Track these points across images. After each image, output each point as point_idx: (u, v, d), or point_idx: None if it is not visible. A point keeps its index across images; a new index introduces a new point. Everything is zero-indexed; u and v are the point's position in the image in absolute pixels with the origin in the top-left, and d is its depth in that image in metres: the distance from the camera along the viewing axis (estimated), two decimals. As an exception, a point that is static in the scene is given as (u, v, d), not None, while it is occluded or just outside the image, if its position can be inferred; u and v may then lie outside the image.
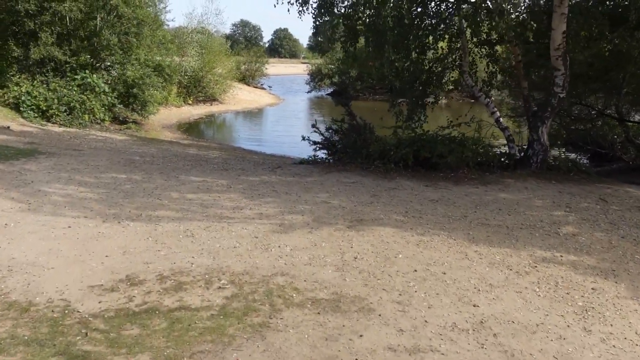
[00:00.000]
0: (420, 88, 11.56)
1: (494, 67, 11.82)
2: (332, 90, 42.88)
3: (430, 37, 10.40)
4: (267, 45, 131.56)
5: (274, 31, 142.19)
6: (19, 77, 16.51)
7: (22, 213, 6.25)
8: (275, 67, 62.30)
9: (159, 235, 5.71)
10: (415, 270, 4.98)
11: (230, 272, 4.74)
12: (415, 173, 9.87)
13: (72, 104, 16.41)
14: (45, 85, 16.47)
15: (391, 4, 9.29)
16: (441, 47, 11.56)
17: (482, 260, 5.37)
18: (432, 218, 6.88)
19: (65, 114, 16.21)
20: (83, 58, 17.53)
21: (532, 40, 9.81)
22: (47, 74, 16.88)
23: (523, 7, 8.38)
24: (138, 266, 4.81)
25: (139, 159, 10.54)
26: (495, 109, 11.30)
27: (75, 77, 17.10)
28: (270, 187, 8.39)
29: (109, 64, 18.43)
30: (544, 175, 10.16)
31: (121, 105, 18.20)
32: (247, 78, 41.19)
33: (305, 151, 17.52)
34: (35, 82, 16.46)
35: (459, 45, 11.40)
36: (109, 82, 18.14)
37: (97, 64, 18.30)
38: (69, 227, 5.85)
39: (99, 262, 4.87)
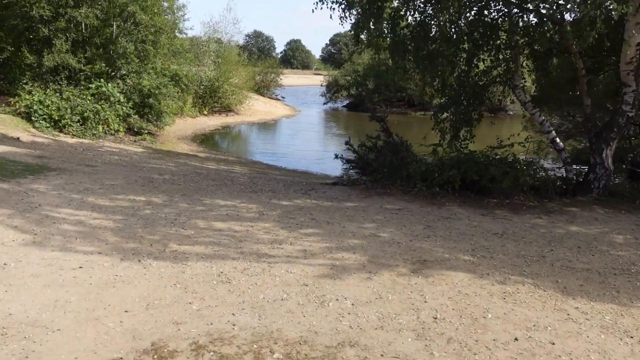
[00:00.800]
0: (465, 103, 10.53)
1: (545, 82, 10.78)
2: (348, 102, 42.03)
3: (485, 48, 9.38)
4: (279, 56, 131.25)
5: (287, 42, 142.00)
6: (32, 85, 15.70)
7: (26, 248, 5.26)
8: (288, 78, 61.56)
9: (188, 280, 4.70)
10: (516, 339, 3.92)
11: (283, 340, 3.70)
12: (465, 198, 8.83)
13: (85, 113, 15.54)
14: (58, 94, 15.64)
15: (447, 7, 8.20)
16: (488, 58, 10.55)
17: (591, 323, 4.30)
18: (505, 259, 5.82)
19: (78, 124, 15.34)
20: (98, 66, 16.71)
21: (606, 53, 8.71)
22: (60, 82, 16.08)
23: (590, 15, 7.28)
24: (166, 328, 3.80)
25: (157, 177, 9.57)
26: (551, 128, 10.24)
27: (90, 85, 16.27)
28: (308, 214, 7.37)
29: (124, 72, 17.58)
30: (608, 202, 9.08)
31: (136, 116, 17.32)
32: (262, 89, 40.41)
33: (328, 167, 16.53)
34: (48, 90, 15.65)
35: (508, 56, 10.36)
36: (124, 91, 17.29)
37: (113, 73, 17.46)
38: (80, 267, 4.85)
39: (116, 321, 3.86)
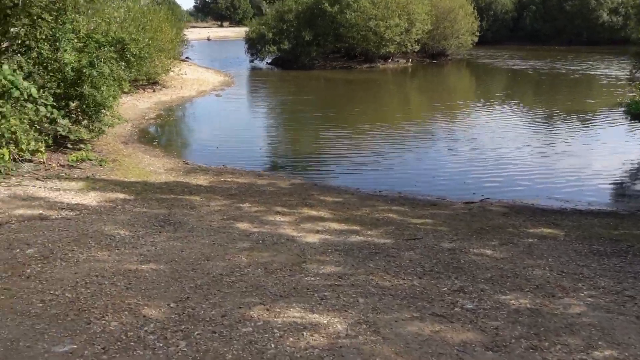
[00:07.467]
0: None
1: None
2: (273, 58, 34.90)
3: None
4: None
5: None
6: None
7: None
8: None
9: None
10: None
11: None
12: None
13: (-31, 129, 7.79)
14: None
15: None
16: None
17: None
18: None
19: (-42, 155, 7.59)
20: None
21: None
22: None
23: None
24: None
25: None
26: None
27: (-33, 72, 8.33)
28: None
29: (26, 41, 9.65)
30: None
31: (66, 120, 9.64)
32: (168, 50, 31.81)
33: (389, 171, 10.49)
34: None
35: None
36: (30, 75, 9.51)
37: (5, 45, 9.51)
38: None
39: None
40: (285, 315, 3.75)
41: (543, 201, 8.75)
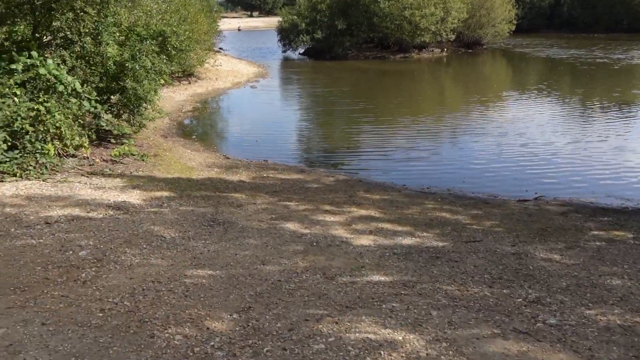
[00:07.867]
0: None
1: None
2: (305, 49, 34.53)
3: None
4: None
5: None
6: None
7: None
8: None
9: None
10: None
11: None
12: None
13: (15, 124, 7.74)
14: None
15: None
16: None
17: None
18: None
19: (1, 150, 7.55)
20: (21, 29, 8.68)
21: None
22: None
23: None
24: None
25: None
26: None
27: (12, 67, 8.29)
28: None
29: (69, 35, 9.57)
30: None
31: (109, 114, 9.57)
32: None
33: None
34: None
35: None
36: (73, 69, 9.45)
37: (47, 38, 9.45)
38: None
39: None
40: (357, 330, 3.51)
41: (602, 199, 8.30)
